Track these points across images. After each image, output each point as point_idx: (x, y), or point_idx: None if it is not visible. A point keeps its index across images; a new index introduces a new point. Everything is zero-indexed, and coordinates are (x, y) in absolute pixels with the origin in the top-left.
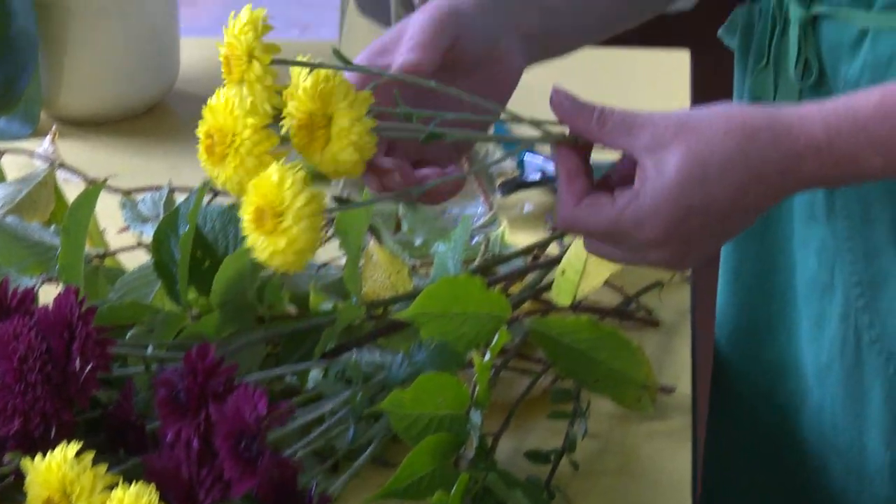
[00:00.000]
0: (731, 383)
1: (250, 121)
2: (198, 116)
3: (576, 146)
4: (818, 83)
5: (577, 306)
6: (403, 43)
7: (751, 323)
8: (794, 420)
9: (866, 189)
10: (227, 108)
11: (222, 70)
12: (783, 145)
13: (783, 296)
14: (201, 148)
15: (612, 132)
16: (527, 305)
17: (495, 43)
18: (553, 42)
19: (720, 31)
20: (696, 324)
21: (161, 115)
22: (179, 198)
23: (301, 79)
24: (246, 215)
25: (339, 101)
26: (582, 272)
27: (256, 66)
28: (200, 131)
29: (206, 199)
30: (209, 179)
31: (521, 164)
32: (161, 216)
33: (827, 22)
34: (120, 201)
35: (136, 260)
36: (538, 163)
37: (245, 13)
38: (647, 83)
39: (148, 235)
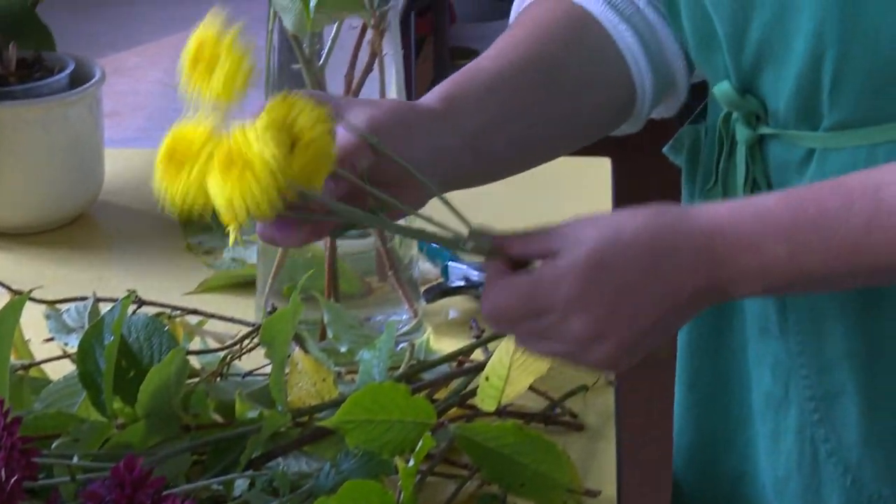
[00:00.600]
0: (690, 496)
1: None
2: (122, 227)
3: (507, 260)
4: None
5: (502, 411)
6: None
7: (708, 436)
8: None
9: (818, 304)
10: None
11: (185, 71)
12: (690, 220)
13: (740, 409)
14: (160, 170)
15: (528, 238)
16: (453, 411)
17: (411, 175)
18: (477, 178)
19: (666, 149)
20: (621, 427)
21: (86, 225)
22: (104, 308)
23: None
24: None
25: (303, 107)
26: (506, 378)
27: (233, 31)
28: (160, 159)
29: (130, 309)
30: (134, 290)
31: (444, 271)
32: (86, 327)
33: (773, 142)
34: (45, 312)
35: (61, 370)
36: (462, 269)
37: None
38: (569, 190)
39: (73, 346)
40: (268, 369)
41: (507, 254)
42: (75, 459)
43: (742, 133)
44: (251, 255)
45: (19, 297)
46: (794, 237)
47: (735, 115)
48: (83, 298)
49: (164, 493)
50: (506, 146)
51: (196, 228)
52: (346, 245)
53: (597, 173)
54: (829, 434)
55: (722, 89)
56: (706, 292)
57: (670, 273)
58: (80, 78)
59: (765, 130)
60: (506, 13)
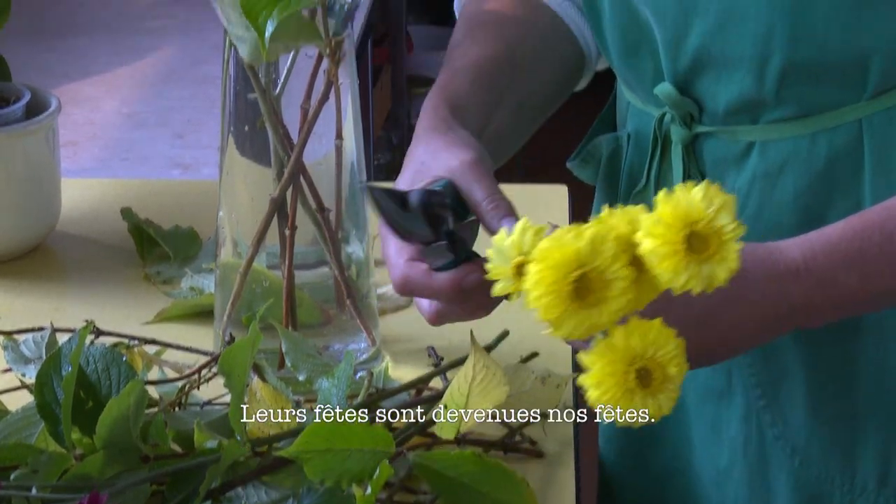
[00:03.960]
0: (617, 496)
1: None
2: (80, 257)
3: None
4: None
5: (461, 439)
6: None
7: (637, 434)
8: None
9: None
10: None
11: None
12: (766, 268)
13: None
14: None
15: None
16: (413, 440)
17: None
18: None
19: (570, 164)
20: (580, 454)
21: (43, 256)
22: (62, 339)
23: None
24: (667, 247)
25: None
26: (465, 406)
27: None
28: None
29: (88, 339)
30: (91, 320)
31: None
32: (43, 357)
33: (709, 139)
34: (2, 343)
35: (19, 401)
36: None
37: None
38: (528, 215)
39: (31, 377)
40: (226, 399)
41: None
42: (34, 491)
43: (678, 133)
44: (209, 285)
45: None
46: (864, 266)
47: (668, 116)
48: (41, 329)
49: None
50: (502, 129)
51: (154, 258)
52: (304, 274)
53: (554, 200)
54: (776, 418)
55: (664, 90)
56: (787, 325)
57: (746, 315)
58: (35, 108)
59: (700, 129)
60: None
